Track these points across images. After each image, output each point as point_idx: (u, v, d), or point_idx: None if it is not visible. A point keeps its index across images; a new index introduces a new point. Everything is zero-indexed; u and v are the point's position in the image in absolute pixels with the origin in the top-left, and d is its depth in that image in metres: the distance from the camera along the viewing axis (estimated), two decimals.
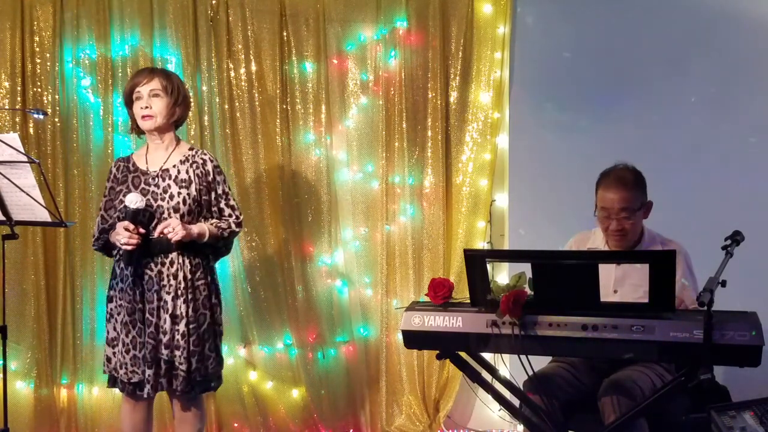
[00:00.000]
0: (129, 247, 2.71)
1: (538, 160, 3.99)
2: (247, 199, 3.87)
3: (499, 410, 3.64)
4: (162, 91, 2.85)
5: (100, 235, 2.92)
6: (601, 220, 2.84)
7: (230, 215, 2.94)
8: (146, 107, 2.84)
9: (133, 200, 2.73)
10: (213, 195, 2.93)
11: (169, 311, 2.81)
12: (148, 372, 2.79)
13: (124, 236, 2.70)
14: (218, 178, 2.94)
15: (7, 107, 3.71)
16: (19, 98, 3.70)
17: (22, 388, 3.77)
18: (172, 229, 2.74)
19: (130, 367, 2.81)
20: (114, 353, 2.86)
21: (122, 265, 2.86)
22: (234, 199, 2.99)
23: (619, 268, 2.86)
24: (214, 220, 2.92)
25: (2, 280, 3.14)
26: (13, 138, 2.66)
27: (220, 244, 2.95)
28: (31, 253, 3.74)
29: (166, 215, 2.82)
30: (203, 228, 2.85)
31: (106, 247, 2.93)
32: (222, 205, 2.93)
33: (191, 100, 3.05)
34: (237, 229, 2.95)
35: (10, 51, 3.69)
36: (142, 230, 2.74)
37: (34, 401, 3.76)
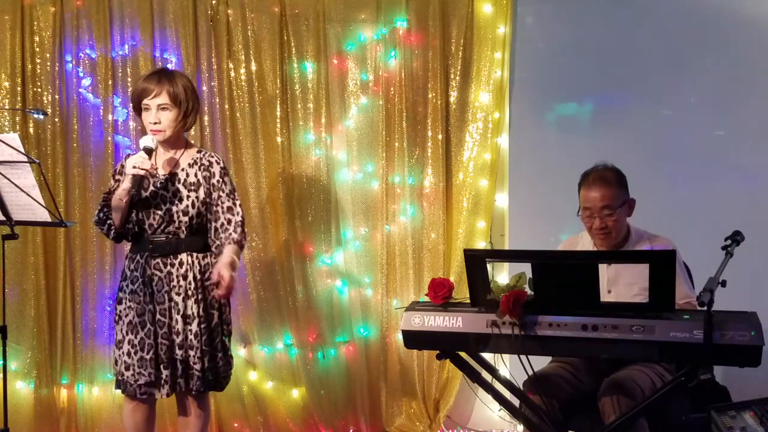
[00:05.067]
0: (142, 172, 2.70)
1: (538, 160, 3.99)
2: (247, 199, 3.87)
3: (499, 410, 3.65)
4: (171, 104, 2.81)
5: (103, 206, 2.87)
6: (585, 220, 2.87)
7: (231, 220, 2.89)
8: (155, 122, 2.81)
9: (149, 140, 2.77)
10: (217, 195, 2.91)
11: (181, 312, 2.82)
12: (165, 372, 2.80)
13: (144, 158, 2.71)
14: (225, 179, 2.93)
15: (7, 107, 3.71)
16: (19, 98, 3.70)
17: (22, 388, 3.77)
18: (222, 288, 2.77)
19: (137, 368, 2.81)
20: (120, 355, 2.86)
21: (132, 266, 2.87)
22: (237, 201, 2.94)
23: (611, 268, 2.87)
24: (228, 242, 2.87)
25: (2, 280, 3.15)
26: (13, 138, 2.66)
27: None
28: (31, 253, 3.74)
29: (176, 218, 2.83)
30: (233, 259, 2.82)
31: (106, 220, 2.86)
32: (226, 205, 2.89)
33: (199, 99, 3.00)
34: (241, 235, 2.90)
35: (10, 51, 3.69)
36: (155, 166, 2.80)
37: (34, 401, 3.76)
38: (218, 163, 2.94)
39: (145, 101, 2.82)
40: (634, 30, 3.88)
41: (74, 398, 3.80)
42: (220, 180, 2.91)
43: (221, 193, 2.91)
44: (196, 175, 2.89)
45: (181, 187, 2.86)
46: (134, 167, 2.71)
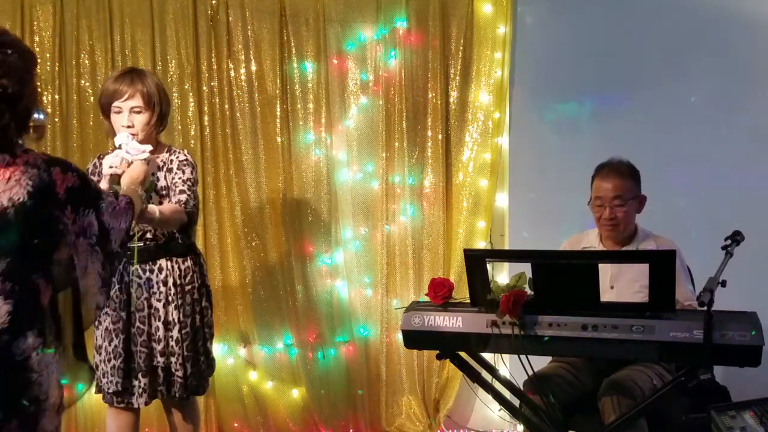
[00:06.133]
0: (119, 171, 2.54)
1: (538, 160, 3.99)
2: (247, 199, 3.87)
3: (499, 410, 3.64)
4: (144, 106, 2.72)
5: None
6: (595, 210, 2.91)
7: (179, 201, 2.76)
8: (129, 126, 2.71)
9: (125, 138, 2.62)
10: (173, 181, 2.80)
11: (161, 318, 2.78)
12: (144, 381, 2.77)
13: (121, 158, 2.57)
14: (184, 168, 2.81)
15: None
16: None
17: None
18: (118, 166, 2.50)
19: (110, 376, 2.77)
20: (99, 361, 2.83)
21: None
22: (192, 189, 2.81)
23: (615, 264, 2.89)
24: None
25: None
26: None
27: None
28: None
29: (151, 227, 2.76)
30: (153, 210, 2.59)
31: None
32: (179, 188, 2.77)
33: (170, 99, 2.91)
34: (181, 211, 2.73)
35: None
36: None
37: None
38: (177, 158, 2.84)
39: (116, 104, 2.72)
40: (635, 30, 3.87)
41: (74, 398, 3.79)
42: (178, 171, 2.81)
43: (177, 179, 2.80)
44: (165, 178, 2.81)
45: (153, 194, 2.76)
46: (111, 167, 2.58)
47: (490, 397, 2.68)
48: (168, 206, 2.73)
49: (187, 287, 2.83)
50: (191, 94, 3.77)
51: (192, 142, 3.77)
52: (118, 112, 2.74)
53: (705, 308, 2.15)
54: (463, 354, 2.60)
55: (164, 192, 2.79)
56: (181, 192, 2.78)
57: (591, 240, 3.00)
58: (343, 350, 4.01)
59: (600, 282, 2.35)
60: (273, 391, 3.94)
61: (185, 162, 2.85)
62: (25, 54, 1.84)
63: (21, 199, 1.74)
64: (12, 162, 1.79)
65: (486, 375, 2.68)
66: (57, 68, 3.71)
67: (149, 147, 2.62)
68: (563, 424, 2.64)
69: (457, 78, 3.98)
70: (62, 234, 1.83)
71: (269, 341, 3.94)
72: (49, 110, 3.70)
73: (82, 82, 3.76)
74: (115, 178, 2.60)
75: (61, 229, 1.82)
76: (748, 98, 3.77)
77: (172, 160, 2.85)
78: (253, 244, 3.88)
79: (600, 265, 2.40)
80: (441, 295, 2.53)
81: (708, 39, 3.80)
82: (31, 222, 1.77)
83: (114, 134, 2.77)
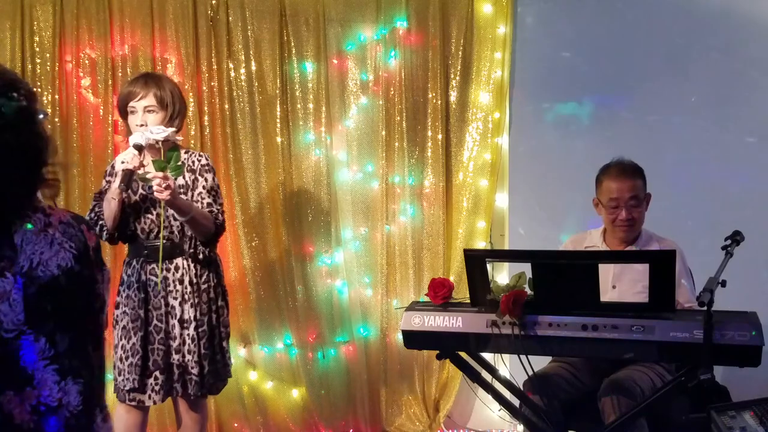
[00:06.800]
0: (130, 167, 2.62)
1: (538, 160, 3.99)
2: (247, 199, 3.87)
3: (499, 410, 3.64)
4: (157, 106, 2.77)
5: (94, 206, 2.83)
6: (609, 212, 2.86)
7: (211, 212, 2.84)
8: (142, 124, 2.76)
9: (139, 137, 2.68)
10: (197, 190, 2.85)
11: (177, 316, 2.80)
12: (161, 378, 2.78)
13: (133, 155, 2.65)
14: (206, 175, 2.87)
15: None
16: None
17: None
18: (162, 187, 2.60)
19: (126, 374, 2.79)
20: (116, 359, 2.84)
21: (129, 271, 2.85)
22: (219, 203, 2.89)
23: (617, 264, 2.88)
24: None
25: None
26: None
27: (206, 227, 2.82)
28: None
29: (167, 222, 2.79)
30: (191, 205, 2.75)
31: (98, 221, 2.80)
32: (206, 201, 2.84)
33: (186, 103, 2.97)
34: (211, 219, 2.83)
35: (10, 51, 3.68)
36: (144, 163, 2.70)
37: None
38: (199, 160, 2.89)
39: (131, 104, 2.78)
40: (635, 29, 3.87)
41: None
42: (200, 177, 2.86)
43: (201, 189, 2.86)
44: (185, 178, 2.85)
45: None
46: (123, 162, 2.66)
47: (490, 397, 2.68)
48: (201, 210, 2.79)
49: (203, 286, 2.85)
50: (191, 94, 3.76)
51: (192, 142, 3.77)
52: (133, 113, 2.80)
53: (705, 308, 2.15)
54: (463, 354, 2.60)
55: (181, 190, 2.82)
56: (209, 204, 2.84)
57: (594, 240, 2.99)
58: (343, 350, 4.01)
59: (602, 282, 2.35)
60: (273, 391, 3.95)
61: (207, 167, 2.90)
62: (30, 95, 1.59)
63: (69, 265, 1.55)
64: (48, 223, 1.58)
65: (486, 375, 2.68)
66: (57, 68, 3.71)
67: (172, 129, 2.72)
68: (563, 424, 2.64)
69: (457, 78, 3.98)
70: (100, 298, 1.65)
71: (269, 341, 3.94)
72: (49, 110, 3.70)
73: (82, 82, 3.76)
74: (127, 173, 2.65)
75: (98, 292, 1.64)
76: (748, 98, 3.77)
77: (194, 162, 2.89)
78: (253, 244, 3.88)
79: (602, 265, 2.41)
80: (441, 295, 2.54)
81: (708, 39, 3.80)
82: (81, 288, 1.59)
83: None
